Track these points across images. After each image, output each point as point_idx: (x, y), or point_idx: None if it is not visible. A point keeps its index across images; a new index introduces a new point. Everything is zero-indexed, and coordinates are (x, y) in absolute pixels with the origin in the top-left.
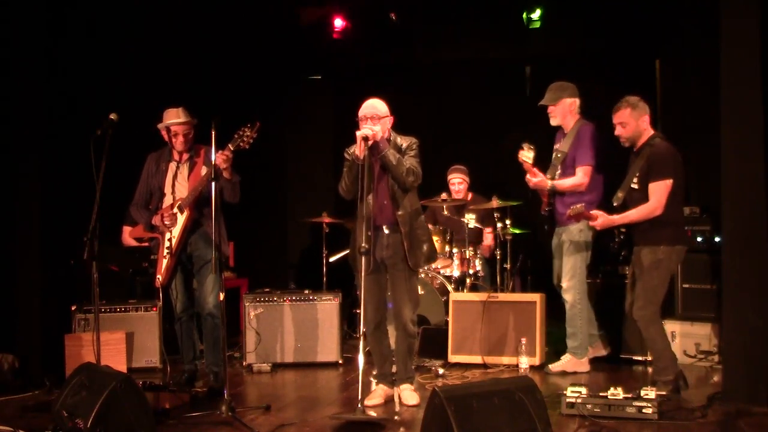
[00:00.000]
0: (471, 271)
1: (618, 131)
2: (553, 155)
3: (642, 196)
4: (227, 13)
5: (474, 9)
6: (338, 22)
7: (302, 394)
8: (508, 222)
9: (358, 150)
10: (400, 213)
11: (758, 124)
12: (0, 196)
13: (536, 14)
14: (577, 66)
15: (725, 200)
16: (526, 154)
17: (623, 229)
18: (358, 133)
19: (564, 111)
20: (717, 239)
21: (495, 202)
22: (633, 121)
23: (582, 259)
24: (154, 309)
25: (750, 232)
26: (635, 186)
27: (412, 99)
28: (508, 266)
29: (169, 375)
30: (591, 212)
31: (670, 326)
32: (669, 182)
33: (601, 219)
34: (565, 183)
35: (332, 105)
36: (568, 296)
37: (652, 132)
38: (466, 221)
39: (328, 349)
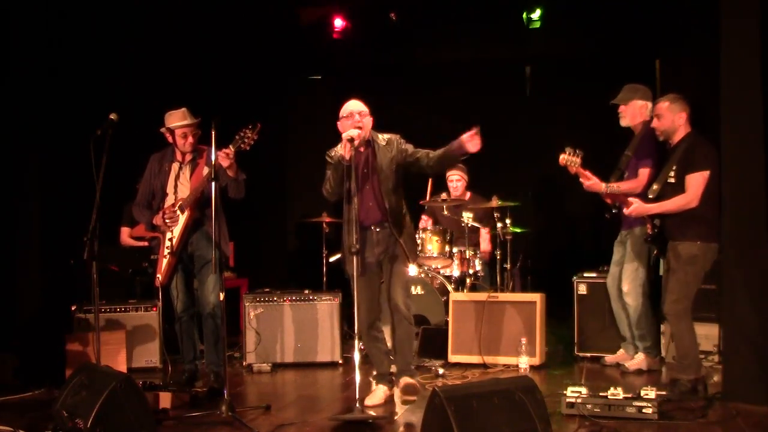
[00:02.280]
0: (471, 271)
1: (654, 123)
2: (622, 158)
3: (678, 190)
4: (227, 13)
5: (474, 9)
6: (338, 22)
7: (302, 394)
8: (508, 222)
9: (344, 151)
10: (389, 209)
11: (758, 124)
12: (0, 196)
13: (536, 14)
14: (577, 66)
15: (725, 200)
16: (569, 158)
17: (657, 221)
18: (345, 135)
19: (634, 113)
20: None
21: (495, 202)
22: (669, 115)
23: (643, 262)
24: (154, 309)
25: (750, 232)
26: (672, 180)
27: (412, 99)
28: (508, 266)
29: (169, 375)
30: (627, 198)
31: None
32: (706, 174)
33: (636, 205)
34: (622, 186)
35: (332, 105)
36: (630, 299)
37: (689, 129)
38: (465, 221)
39: (328, 349)
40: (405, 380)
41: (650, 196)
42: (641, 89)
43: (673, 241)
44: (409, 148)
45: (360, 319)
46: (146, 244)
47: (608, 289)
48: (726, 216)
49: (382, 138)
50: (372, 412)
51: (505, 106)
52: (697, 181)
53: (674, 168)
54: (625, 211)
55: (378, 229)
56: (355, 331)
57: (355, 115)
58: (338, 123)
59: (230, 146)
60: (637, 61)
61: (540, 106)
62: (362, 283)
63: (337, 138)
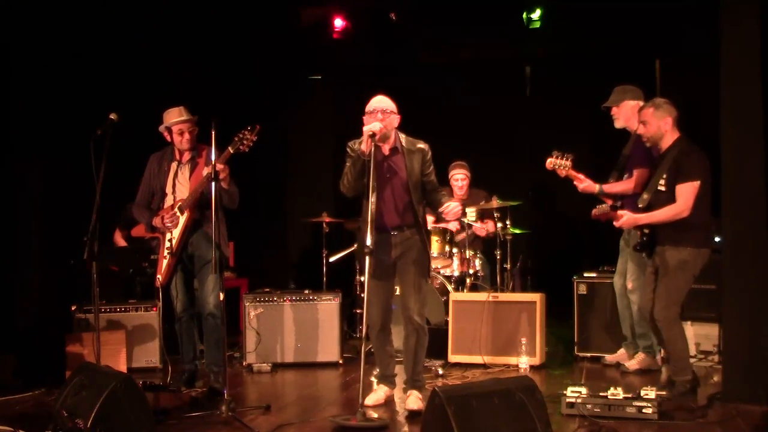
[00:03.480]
0: (471, 271)
1: (640, 129)
2: (620, 159)
3: (669, 198)
4: (228, 13)
5: (474, 9)
6: (338, 22)
7: (302, 394)
8: (508, 222)
9: (364, 145)
10: (420, 218)
11: (758, 124)
12: (0, 197)
13: (536, 14)
14: (577, 66)
15: (725, 200)
16: (557, 162)
17: (647, 230)
18: (365, 128)
19: (627, 113)
20: (717, 239)
21: (495, 203)
22: (655, 121)
23: (645, 260)
24: (154, 309)
25: (750, 232)
26: (662, 188)
27: (412, 99)
28: (508, 266)
29: (169, 375)
30: (616, 212)
31: None
32: (696, 184)
33: (626, 217)
34: (615, 187)
35: (333, 105)
36: (634, 297)
37: (677, 135)
38: (466, 221)
39: (328, 349)
40: (411, 399)
41: (640, 206)
42: (631, 90)
43: (662, 246)
44: (431, 170)
45: (371, 320)
46: (147, 235)
47: (615, 288)
48: (726, 216)
49: (412, 143)
50: (374, 413)
51: (505, 106)
52: (687, 191)
53: (664, 176)
54: (616, 224)
55: (396, 233)
56: (359, 332)
57: (378, 112)
58: (363, 117)
59: (229, 147)
60: (637, 61)
61: (540, 106)
62: (377, 284)
63: (338, 139)
